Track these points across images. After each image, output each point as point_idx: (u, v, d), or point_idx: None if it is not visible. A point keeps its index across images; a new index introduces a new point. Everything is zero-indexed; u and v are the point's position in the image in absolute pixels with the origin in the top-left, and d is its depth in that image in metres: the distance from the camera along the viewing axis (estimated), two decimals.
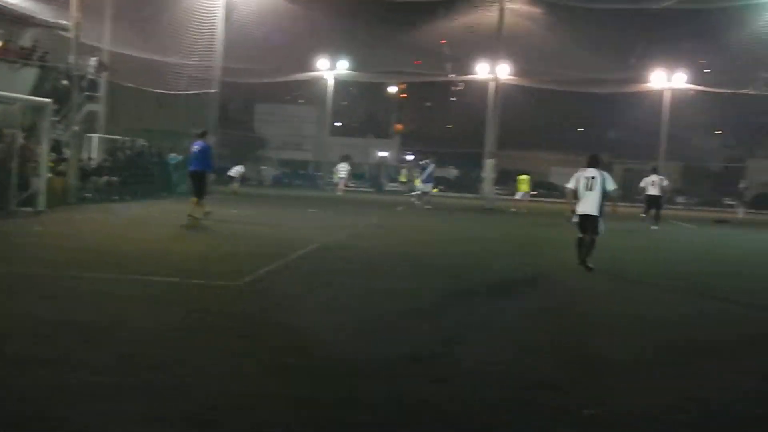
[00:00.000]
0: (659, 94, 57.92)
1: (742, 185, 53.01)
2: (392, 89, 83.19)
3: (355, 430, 4.91)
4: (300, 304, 9.15)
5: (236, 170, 38.36)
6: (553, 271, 13.32)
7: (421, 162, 33.68)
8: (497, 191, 43.83)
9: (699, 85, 58.39)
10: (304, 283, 10.77)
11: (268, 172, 64.96)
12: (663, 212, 27.26)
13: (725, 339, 8.45)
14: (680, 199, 59.63)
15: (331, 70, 60.05)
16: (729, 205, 58.17)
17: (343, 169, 45.92)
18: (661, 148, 58.61)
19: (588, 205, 12.86)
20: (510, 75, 50.66)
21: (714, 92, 60.23)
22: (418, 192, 34.54)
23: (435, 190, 47.01)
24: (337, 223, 21.74)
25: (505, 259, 15.16)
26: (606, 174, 13.00)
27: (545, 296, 10.98)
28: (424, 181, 33.83)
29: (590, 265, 12.90)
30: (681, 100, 60.04)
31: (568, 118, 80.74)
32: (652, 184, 26.54)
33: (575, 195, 12.99)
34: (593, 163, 13.09)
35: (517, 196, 36.18)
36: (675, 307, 10.54)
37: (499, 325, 8.58)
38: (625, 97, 65.38)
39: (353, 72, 60.53)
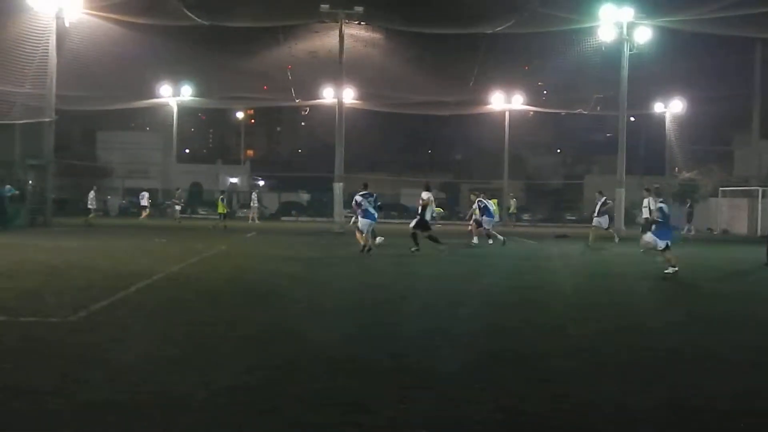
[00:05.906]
0: (501, 115, 60.00)
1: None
2: (240, 115, 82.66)
3: None
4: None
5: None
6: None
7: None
8: (348, 215, 43.81)
9: (537, 106, 61.00)
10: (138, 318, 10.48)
11: (114, 201, 62.72)
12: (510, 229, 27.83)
13: None
14: (525, 216, 61.48)
15: (174, 96, 59.27)
16: (570, 220, 61.02)
17: (254, 200, 48.02)
18: (505, 167, 60.71)
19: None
20: (354, 99, 51.56)
21: (550, 113, 63.39)
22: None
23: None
24: (182, 252, 21.22)
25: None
26: None
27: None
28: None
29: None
30: (521, 121, 62.54)
31: (415, 140, 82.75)
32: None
33: None
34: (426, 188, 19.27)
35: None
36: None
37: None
38: (468, 119, 67.59)
39: (197, 98, 60.02)
